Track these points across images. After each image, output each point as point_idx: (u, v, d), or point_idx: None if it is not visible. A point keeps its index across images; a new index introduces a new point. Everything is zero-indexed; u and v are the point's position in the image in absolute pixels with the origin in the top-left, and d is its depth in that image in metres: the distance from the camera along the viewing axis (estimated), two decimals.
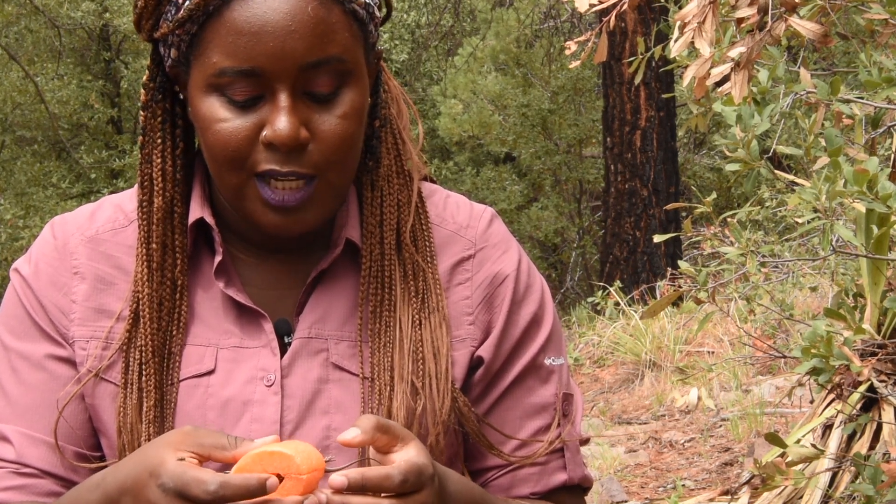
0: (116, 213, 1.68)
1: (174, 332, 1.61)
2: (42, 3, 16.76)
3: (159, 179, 1.61)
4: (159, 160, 1.61)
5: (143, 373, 1.59)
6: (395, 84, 1.71)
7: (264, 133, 1.51)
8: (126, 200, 1.70)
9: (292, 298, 1.64)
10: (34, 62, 18.19)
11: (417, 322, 1.62)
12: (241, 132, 1.51)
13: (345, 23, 1.52)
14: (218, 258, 1.62)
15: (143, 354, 1.60)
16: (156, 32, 1.55)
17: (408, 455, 1.41)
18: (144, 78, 1.62)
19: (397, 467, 1.39)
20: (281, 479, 1.37)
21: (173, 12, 1.52)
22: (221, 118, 1.51)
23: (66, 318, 1.63)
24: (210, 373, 1.61)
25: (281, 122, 1.49)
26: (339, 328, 1.62)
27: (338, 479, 1.37)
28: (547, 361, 1.69)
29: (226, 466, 1.46)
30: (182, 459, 1.39)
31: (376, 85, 1.64)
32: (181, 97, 1.61)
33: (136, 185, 1.70)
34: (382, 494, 1.39)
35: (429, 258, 1.65)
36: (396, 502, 1.39)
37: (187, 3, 1.50)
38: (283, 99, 1.50)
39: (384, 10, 1.62)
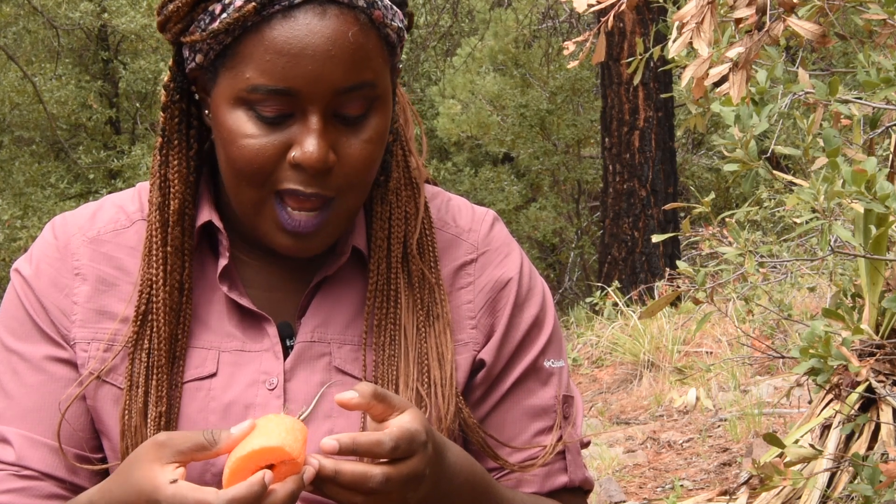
0: (118, 213, 1.68)
1: (179, 336, 1.61)
2: (40, 4, 16.75)
3: (176, 182, 1.61)
4: (176, 162, 1.61)
5: (155, 376, 1.59)
6: (402, 92, 1.72)
7: (292, 154, 1.50)
8: (127, 201, 1.69)
9: (294, 301, 1.64)
10: (32, 62, 18.18)
11: (422, 330, 1.62)
12: (267, 150, 1.50)
13: (378, 48, 1.52)
14: (223, 262, 1.61)
15: (154, 358, 1.59)
16: (184, 37, 1.54)
17: (401, 421, 1.41)
18: (165, 79, 1.61)
19: (388, 433, 1.39)
20: (274, 467, 1.37)
21: (207, 21, 1.50)
22: (249, 134, 1.50)
23: (67, 320, 1.63)
24: (212, 376, 1.61)
25: (311, 145, 1.49)
26: (342, 332, 1.62)
27: (329, 442, 1.37)
28: (547, 364, 1.69)
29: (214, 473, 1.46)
30: (174, 481, 1.37)
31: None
32: (196, 98, 1.60)
33: (137, 186, 1.70)
34: (379, 461, 1.40)
35: (433, 266, 1.65)
36: (388, 468, 1.39)
37: (224, 15, 1.48)
38: (315, 122, 1.49)
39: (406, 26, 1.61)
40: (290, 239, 1.54)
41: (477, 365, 1.66)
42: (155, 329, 1.59)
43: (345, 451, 1.37)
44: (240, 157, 1.51)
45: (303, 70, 1.47)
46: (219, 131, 1.54)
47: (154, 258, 1.61)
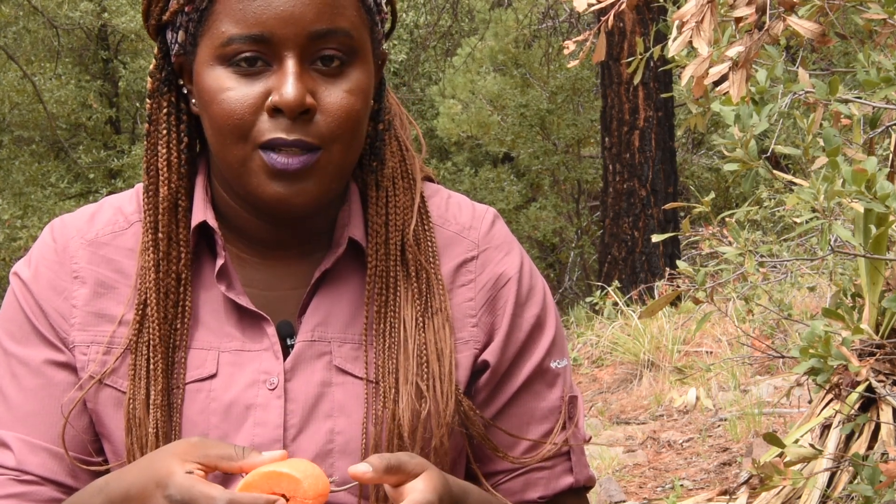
0: (116, 215, 1.68)
1: (178, 326, 1.61)
2: (40, 4, 16.75)
3: (165, 170, 1.61)
4: (165, 151, 1.61)
5: (151, 360, 1.59)
6: (397, 101, 1.72)
7: (270, 99, 1.51)
8: (126, 202, 1.69)
9: (295, 300, 1.64)
10: (32, 62, 18.17)
11: (421, 323, 1.62)
12: (247, 100, 1.51)
13: (353, 4, 1.54)
14: (220, 261, 1.61)
15: (151, 337, 1.59)
16: (165, 14, 1.56)
17: (416, 495, 1.41)
18: (151, 67, 1.62)
19: None
20: (287, 499, 1.38)
21: None
22: (227, 87, 1.52)
23: (66, 323, 1.62)
24: (212, 377, 1.60)
25: (287, 87, 1.50)
26: (343, 330, 1.62)
27: None
28: (553, 365, 1.69)
29: (229, 479, 1.47)
30: (190, 472, 1.39)
31: (380, 91, 1.64)
32: (185, 91, 1.61)
33: (136, 187, 1.70)
34: None
35: (431, 259, 1.65)
36: None
37: None
38: (291, 65, 1.51)
39: (389, 18, 1.62)
40: (282, 185, 1.53)
41: (480, 366, 1.65)
42: (148, 311, 1.60)
43: None
44: (220, 112, 1.52)
45: (274, 12, 1.50)
46: (201, 96, 1.55)
47: (146, 242, 1.61)
